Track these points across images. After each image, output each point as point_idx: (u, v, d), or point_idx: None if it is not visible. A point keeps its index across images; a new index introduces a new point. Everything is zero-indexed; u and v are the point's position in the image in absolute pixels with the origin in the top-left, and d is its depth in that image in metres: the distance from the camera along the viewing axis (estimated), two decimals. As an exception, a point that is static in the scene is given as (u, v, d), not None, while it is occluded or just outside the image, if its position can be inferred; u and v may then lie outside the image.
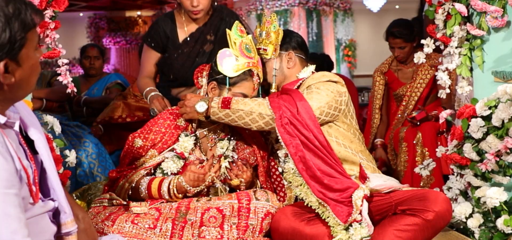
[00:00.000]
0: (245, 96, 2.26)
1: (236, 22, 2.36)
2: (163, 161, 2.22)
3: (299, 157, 2.11)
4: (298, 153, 2.11)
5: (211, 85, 2.29)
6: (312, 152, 2.11)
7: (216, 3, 2.80)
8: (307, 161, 2.09)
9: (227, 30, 2.29)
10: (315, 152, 2.11)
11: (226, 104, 2.18)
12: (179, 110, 2.28)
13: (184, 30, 2.78)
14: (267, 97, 2.26)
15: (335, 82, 2.34)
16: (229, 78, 2.24)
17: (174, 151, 2.22)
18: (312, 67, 2.46)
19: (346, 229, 1.98)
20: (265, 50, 2.36)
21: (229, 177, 2.24)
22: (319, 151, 2.12)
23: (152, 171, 2.23)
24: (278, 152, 2.28)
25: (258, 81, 2.31)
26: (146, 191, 2.15)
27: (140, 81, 2.81)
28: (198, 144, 2.29)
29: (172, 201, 2.15)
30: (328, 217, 2.03)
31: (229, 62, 2.25)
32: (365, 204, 2.01)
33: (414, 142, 3.49)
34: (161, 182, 2.15)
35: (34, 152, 1.41)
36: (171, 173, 2.20)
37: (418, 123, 3.53)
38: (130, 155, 2.23)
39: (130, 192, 2.18)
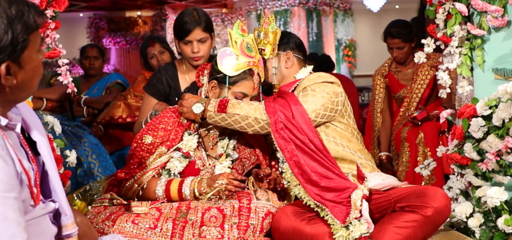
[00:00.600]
0: (245, 95, 2.27)
1: (238, 21, 2.37)
2: (168, 161, 2.22)
3: (294, 162, 2.11)
4: (293, 158, 2.12)
5: (211, 84, 2.29)
6: (308, 155, 2.12)
7: (215, 52, 2.81)
8: (301, 165, 2.10)
9: (229, 29, 2.30)
10: (311, 155, 2.12)
11: (222, 108, 2.18)
12: (178, 108, 2.29)
13: (186, 79, 2.78)
14: (263, 101, 2.26)
15: (331, 82, 2.35)
16: (229, 77, 2.25)
17: (180, 150, 2.22)
18: (309, 68, 2.48)
19: (346, 227, 1.99)
20: (263, 50, 2.37)
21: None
22: (315, 154, 2.12)
23: (160, 171, 2.23)
24: (276, 153, 2.28)
25: (259, 80, 2.31)
26: (164, 194, 2.15)
27: (136, 126, 2.80)
28: (201, 142, 2.29)
29: (173, 201, 2.15)
30: (327, 216, 2.03)
31: (229, 61, 2.25)
32: (365, 203, 2.01)
33: (416, 142, 3.49)
34: (181, 183, 2.16)
35: (36, 153, 1.40)
36: (178, 173, 2.21)
37: (419, 123, 3.53)
38: (139, 153, 2.23)
39: (141, 193, 2.19)
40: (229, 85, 2.25)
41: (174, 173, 2.21)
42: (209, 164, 2.27)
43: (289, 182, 2.15)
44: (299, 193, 2.12)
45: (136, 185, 2.19)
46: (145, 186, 2.18)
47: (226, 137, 2.32)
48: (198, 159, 2.26)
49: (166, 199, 2.16)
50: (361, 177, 2.08)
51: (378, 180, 2.20)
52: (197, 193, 2.14)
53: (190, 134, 2.25)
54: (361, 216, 1.98)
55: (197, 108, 2.21)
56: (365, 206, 2.01)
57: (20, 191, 1.25)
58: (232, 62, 2.25)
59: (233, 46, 2.27)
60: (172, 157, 2.22)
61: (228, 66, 2.25)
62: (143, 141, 2.24)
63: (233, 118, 2.18)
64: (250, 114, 2.19)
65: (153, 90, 2.80)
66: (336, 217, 1.99)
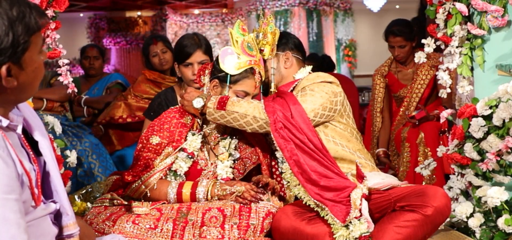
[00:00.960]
0: (246, 94, 2.27)
1: (238, 20, 2.38)
2: (173, 162, 2.23)
3: (294, 161, 2.12)
4: (293, 157, 2.12)
5: (213, 83, 2.30)
6: (307, 154, 2.12)
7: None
8: (301, 164, 2.10)
9: (229, 29, 2.31)
10: (310, 154, 2.12)
11: (221, 105, 2.18)
12: (179, 101, 2.31)
13: None
14: (262, 100, 2.26)
15: (330, 82, 2.35)
16: (231, 75, 2.25)
17: (185, 151, 2.23)
18: (309, 68, 2.48)
19: (346, 226, 1.99)
20: (262, 50, 2.38)
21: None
22: (315, 153, 2.12)
23: (166, 172, 2.23)
24: (276, 153, 2.29)
25: (260, 79, 2.31)
26: (176, 197, 2.16)
27: None
28: (204, 142, 2.29)
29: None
30: (327, 215, 2.04)
31: (230, 60, 2.25)
32: (365, 203, 2.01)
33: (417, 142, 3.49)
34: (194, 186, 2.16)
35: (38, 154, 1.40)
36: (184, 173, 2.22)
37: (417, 123, 3.53)
38: (146, 154, 2.23)
39: (149, 194, 2.19)
40: (231, 83, 2.26)
41: (180, 175, 2.22)
42: (211, 164, 2.27)
43: (289, 182, 2.15)
44: (299, 193, 2.12)
45: (143, 187, 2.19)
46: (155, 187, 2.18)
47: (228, 136, 2.32)
48: (201, 159, 2.27)
49: (176, 199, 2.17)
50: (360, 177, 2.08)
51: (378, 179, 2.20)
52: (209, 196, 2.15)
53: (194, 135, 2.26)
54: (361, 215, 1.98)
55: (198, 103, 2.21)
56: (365, 205, 2.01)
57: (20, 193, 1.25)
58: (234, 61, 2.25)
59: (234, 45, 2.27)
60: (177, 158, 2.23)
61: (229, 65, 2.25)
62: (150, 141, 2.23)
63: (232, 116, 2.19)
64: (249, 112, 2.19)
65: (154, 116, 2.80)
66: (336, 217, 1.99)
